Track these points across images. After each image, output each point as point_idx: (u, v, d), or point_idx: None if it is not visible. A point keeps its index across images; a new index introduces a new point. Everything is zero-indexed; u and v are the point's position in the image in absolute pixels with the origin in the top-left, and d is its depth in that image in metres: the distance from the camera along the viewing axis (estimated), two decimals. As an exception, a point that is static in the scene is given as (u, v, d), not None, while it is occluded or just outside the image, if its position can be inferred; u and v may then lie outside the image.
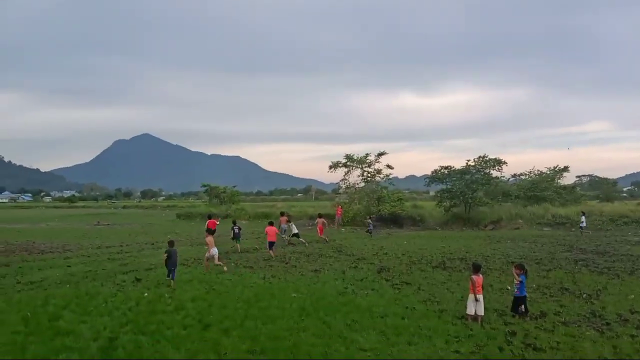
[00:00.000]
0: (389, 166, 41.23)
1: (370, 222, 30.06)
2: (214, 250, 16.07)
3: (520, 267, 9.96)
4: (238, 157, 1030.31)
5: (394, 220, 37.56)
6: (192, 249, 22.23)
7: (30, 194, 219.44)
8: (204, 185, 62.15)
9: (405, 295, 11.72)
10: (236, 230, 22.48)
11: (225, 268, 15.75)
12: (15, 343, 7.96)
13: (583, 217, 29.86)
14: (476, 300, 9.40)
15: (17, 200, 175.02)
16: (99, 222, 45.66)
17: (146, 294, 11.70)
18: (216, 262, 16.05)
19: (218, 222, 25.97)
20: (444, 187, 40.03)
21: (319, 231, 25.74)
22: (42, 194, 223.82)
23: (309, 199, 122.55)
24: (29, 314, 9.76)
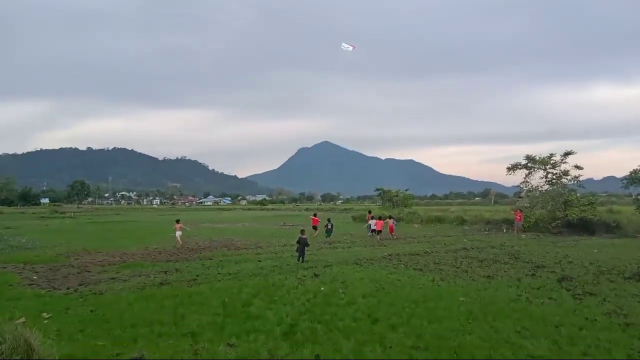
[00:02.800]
0: (577, 167, 37.32)
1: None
2: (179, 234, 25.30)
3: None
4: (412, 161, 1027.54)
5: (584, 227, 33.80)
6: (365, 249, 23.26)
7: (229, 198, 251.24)
8: (377, 189, 63.83)
9: (586, 306, 10.80)
10: (329, 227, 28.79)
11: (179, 245, 24.43)
12: (216, 322, 9.50)
13: None
14: None
15: (219, 203, 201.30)
16: (285, 223, 50.15)
17: (323, 288, 12.78)
18: (179, 241, 25.02)
19: (319, 220, 32.56)
20: (645, 189, 34.76)
21: (378, 227, 28.94)
22: (239, 197, 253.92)
23: (487, 203, 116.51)
24: (226, 299, 11.46)
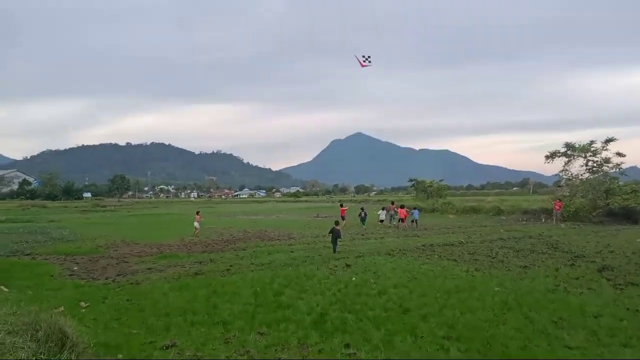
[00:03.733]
0: (619, 154, 35.95)
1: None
2: (197, 224, 26.94)
3: None
4: (447, 151, 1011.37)
5: (627, 216, 32.66)
6: (398, 240, 23.06)
7: (264, 190, 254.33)
8: (411, 180, 63.17)
9: (628, 297, 10.38)
10: (362, 215, 29.60)
11: (196, 237, 25.19)
12: (247, 312, 9.60)
13: None
14: None
15: (254, 196, 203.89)
16: (318, 214, 50.33)
17: (354, 278, 12.73)
18: (196, 232, 26.43)
19: (347, 209, 32.98)
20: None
21: (401, 215, 30.68)
22: (274, 190, 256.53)
23: (526, 193, 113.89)
24: (258, 289, 11.55)
